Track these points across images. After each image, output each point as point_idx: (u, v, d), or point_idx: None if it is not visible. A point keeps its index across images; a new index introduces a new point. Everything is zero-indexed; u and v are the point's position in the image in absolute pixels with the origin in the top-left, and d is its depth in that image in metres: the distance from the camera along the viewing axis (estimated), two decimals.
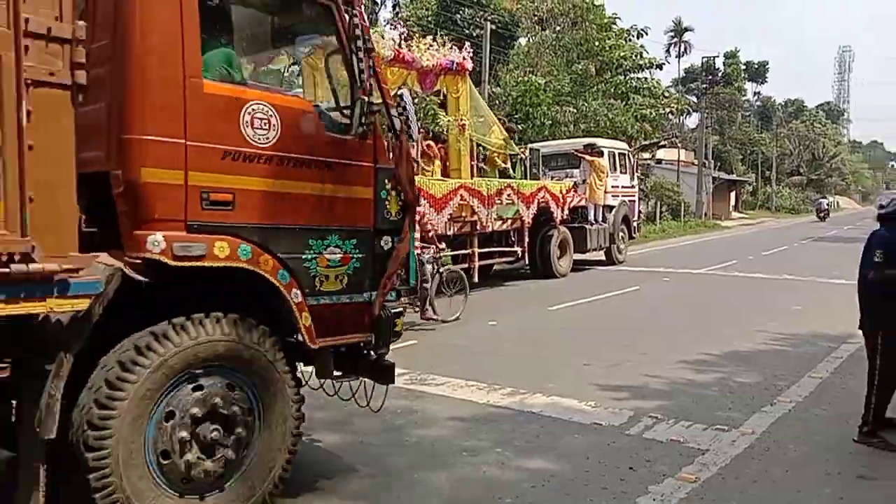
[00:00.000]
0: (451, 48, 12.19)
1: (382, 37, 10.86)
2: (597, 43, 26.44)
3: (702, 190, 40.52)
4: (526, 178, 14.81)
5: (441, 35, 13.25)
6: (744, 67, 70.58)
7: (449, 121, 12.71)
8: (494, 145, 14.00)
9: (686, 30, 69.50)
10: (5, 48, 2.66)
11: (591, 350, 8.19)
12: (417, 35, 12.21)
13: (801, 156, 70.10)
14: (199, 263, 3.47)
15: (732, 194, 51.86)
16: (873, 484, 4.47)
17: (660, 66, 29.75)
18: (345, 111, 4.20)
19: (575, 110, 25.18)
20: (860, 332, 5.46)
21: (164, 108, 3.43)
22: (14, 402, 3.36)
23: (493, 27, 26.87)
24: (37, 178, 2.80)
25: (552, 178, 16.19)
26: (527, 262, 14.89)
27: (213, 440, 3.54)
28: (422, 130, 12.18)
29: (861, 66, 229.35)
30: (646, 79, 28.00)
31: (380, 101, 4.20)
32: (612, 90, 27.12)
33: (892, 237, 5.20)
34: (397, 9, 34.32)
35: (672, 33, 69.24)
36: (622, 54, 27.17)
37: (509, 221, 13.72)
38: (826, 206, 47.18)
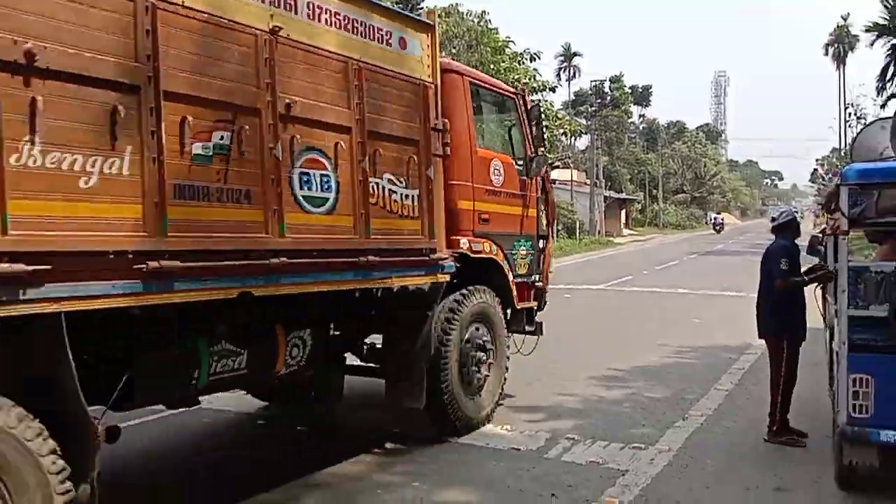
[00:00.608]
0: None
1: None
2: (492, 66, 26.96)
3: (594, 208, 42.13)
4: None
5: None
6: (629, 91, 74.12)
7: None
8: None
9: (575, 54, 72.68)
10: (424, 137, 5.12)
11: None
12: None
13: (685, 175, 74.00)
14: (479, 256, 5.87)
15: (623, 212, 54.03)
16: (791, 495, 4.55)
17: (552, 90, 30.81)
18: (520, 162, 6.65)
19: None
20: (758, 342, 5.68)
21: (465, 164, 5.82)
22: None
23: None
24: (431, 206, 5.20)
25: None
26: None
27: (480, 360, 5.87)
28: None
29: (736, 88, 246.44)
30: (539, 100, 28.79)
31: (542, 155, 6.79)
32: None
33: (790, 246, 5.49)
34: None
35: (562, 58, 72.23)
36: (516, 77, 27.82)
37: None
38: (721, 220, 54.25)
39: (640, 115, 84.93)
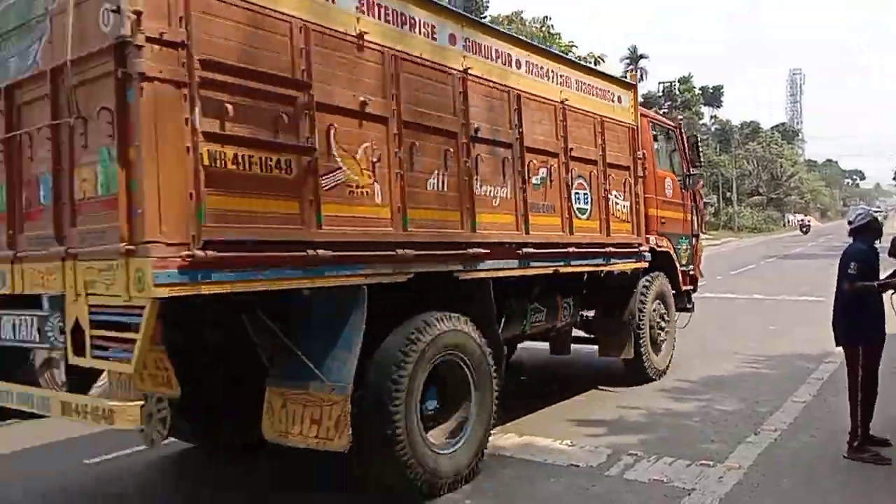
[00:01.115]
0: None
1: None
2: None
3: None
4: None
5: None
6: (699, 92, 72.45)
7: None
8: None
9: (641, 56, 71.29)
10: (633, 164, 7.22)
11: (561, 381, 7.93)
12: None
13: (760, 176, 71.70)
14: (661, 249, 7.95)
15: None
16: None
17: None
18: (679, 178, 8.80)
19: None
20: (837, 350, 5.43)
21: (651, 182, 7.82)
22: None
23: None
24: (638, 213, 7.27)
25: None
26: None
27: (661, 327, 7.97)
28: None
29: (812, 87, 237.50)
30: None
31: (696, 173, 9.22)
32: None
33: (866, 249, 5.23)
34: None
35: (628, 60, 70.98)
36: None
37: None
38: (808, 222, 56.01)
39: (711, 117, 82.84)
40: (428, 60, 4.84)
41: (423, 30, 4.84)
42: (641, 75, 70.80)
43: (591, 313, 7.64)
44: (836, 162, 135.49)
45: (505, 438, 5.84)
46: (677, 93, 64.80)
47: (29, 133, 3.98)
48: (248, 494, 4.97)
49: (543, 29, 27.10)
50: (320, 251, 3.91)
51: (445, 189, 4.90)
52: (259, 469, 5.38)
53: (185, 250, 3.36)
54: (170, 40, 3.40)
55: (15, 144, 4.08)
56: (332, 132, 4.09)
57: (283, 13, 3.90)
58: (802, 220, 56.72)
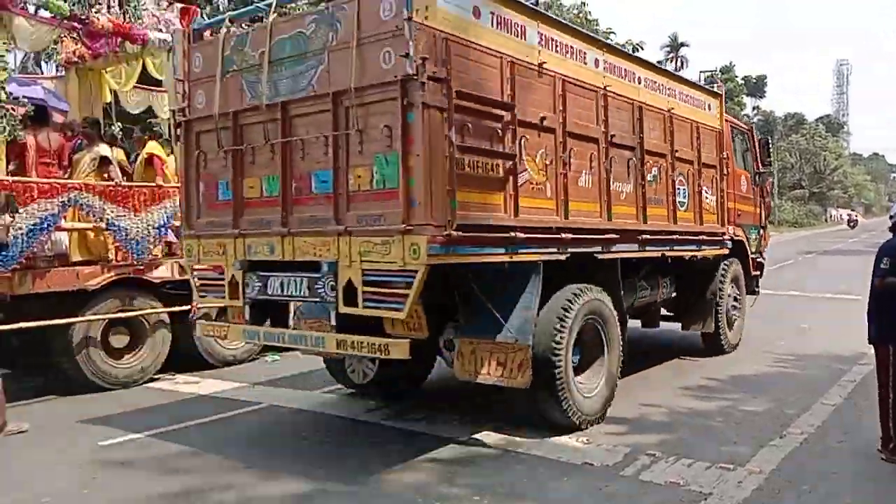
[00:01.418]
0: None
1: None
2: None
3: None
4: None
5: None
6: (742, 82, 71.04)
7: None
8: None
9: (682, 45, 69.99)
10: (719, 163, 8.55)
11: None
12: None
13: (803, 169, 70.34)
14: (737, 238, 9.15)
15: None
16: None
17: None
18: (750, 174, 10.08)
19: None
20: (871, 351, 5.22)
21: (731, 179, 8.97)
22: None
23: None
24: (722, 206, 8.65)
25: None
26: None
27: (735, 307, 9.22)
28: None
29: (859, 79, 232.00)
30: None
31: (766, 171, 10.50)
32: None
33: None
34: None
35: (668, 48, 69.77)
36: None
37: None
38: (856, 217, 58.25)
39: (753, 108, 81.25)
40: (581, 81, 6.08)
41: (577, 56, 6.09)
42: (683, 63, 69.65)
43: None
44: (883, 156, 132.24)
45: (519, 433, 5.71)
46: (719, 83, 63.51)
47: (302, 139, 5.19)
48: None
49: (581, 15, 26.60)
50: (517, 234, 5.21)
51: (590, 185, 6.14)
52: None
53: (443, 231, 4.61)
54: (438, 77, 4.62)
55: (289, 147, 5.28)
56: (524, 141, 5.37)
57: (497, 51, 5.20)
58: (850, 215, 58.08)
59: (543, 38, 5.70)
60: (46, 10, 7.33)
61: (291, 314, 5.94)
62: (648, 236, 6.90)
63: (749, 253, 9.74)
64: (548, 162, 5.62)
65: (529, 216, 5.38)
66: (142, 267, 8.08)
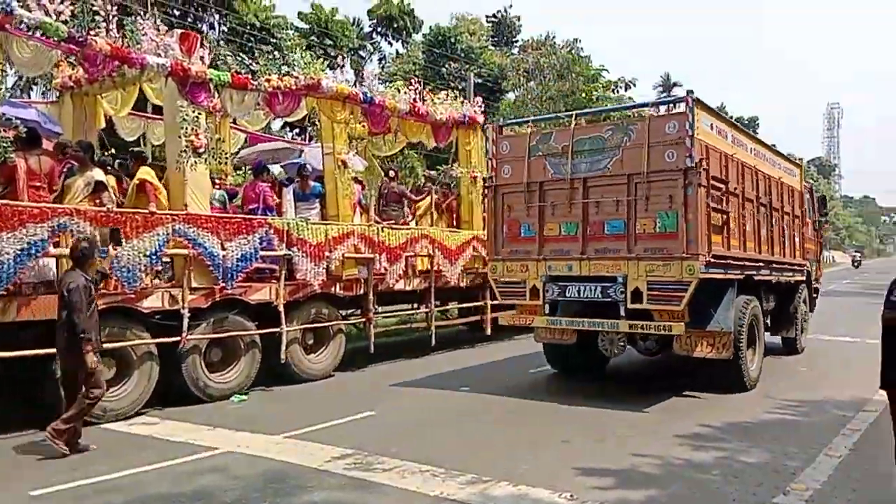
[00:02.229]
0: (463, 102, 12.62)
1: (398, 90, 11.27)
2: (583, 94, 26.13)
3: None
4: None
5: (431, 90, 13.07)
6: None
7: (462, 172, 12.72)
8: None
9: (675, 84, 70.28)
10: (801, 214, 11.49)
11: (572, 421, 7.28)
12: (430, 91, 12.38)
13: None
14: (806, 269, 11.97)
15: None
16: None
17: None
18: (811, 221, 12.62)
19: None
20: (878, 397, 4.68)
21: (805, 225, 11.86)
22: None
23: (481, 80, 26.61)
24: (802, 244, 11.58)
25: None
26: None
27: (805, 319, 12.10)
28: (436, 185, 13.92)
29: (850, 121, 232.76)
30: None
31: (823, 219, 13.76)
32: None
33: None
34: (383, 62, 34.25)
35: (661, 88, 70.05)
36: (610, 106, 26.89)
37: None
38: (859, 257, 60.27)
39: None
40: (746, 163, 9.06)
41: (744, 147, 9.19)
42: (674, 103, 69.98)
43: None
44: (874, 199, 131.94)
45: (498, 487, 5.14)
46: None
47: (597, 201, 8.21)
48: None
49: (573, 52, 26.45)
50: (729, 261, 8.23)
51: (751, 230, 8.97)
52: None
53: (705, 258, 7.54)
54: (703, 168, 7.60)
55: (587, 205, 8.28)
56: (728, 203, 8.28)
57: (719, 149, 8.21)
58: (854, 256, 61.02)
59: (731, 137, 8.73)
60: (43, 32, 7.02)
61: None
62: (774, 265, 9.86)
63: (811, 280, 12.34)
64: (735, 215, 8.47)
65: (731, 251, 8.29)
66: (132, 295, 7.70)
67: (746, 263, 8.68)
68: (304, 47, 18.98)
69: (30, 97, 17.64)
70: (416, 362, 11.36)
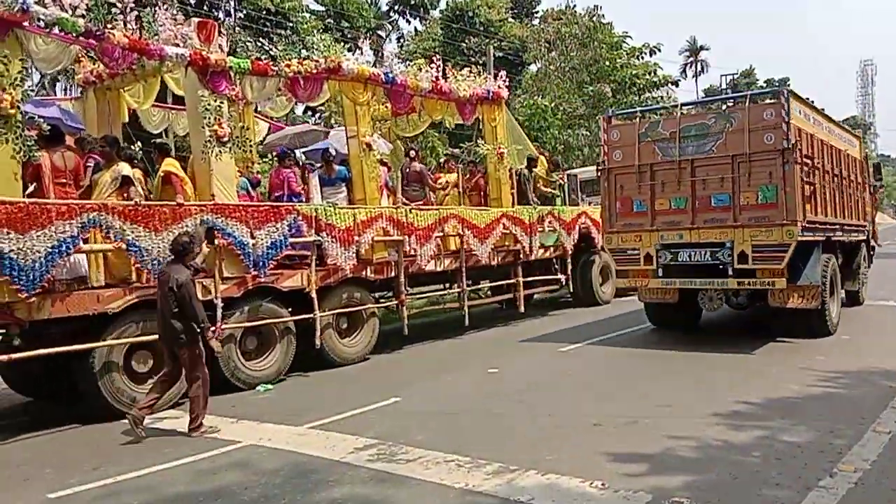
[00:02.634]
0: (486, 78, 12.20)
1: (420, 69, 11.02)
2: (607, 62, 25.46)
3: None
4: (565, 205, 14.43)
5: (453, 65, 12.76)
6: (764, 86, 68.97)
7: (488, 149, 12.36)
8: (536, 173, 13.89)
9: (701, 48, 68.46)
10: (862, 180, 12.61)
11: (604, 403, 6.97)
12: (451, 67, 12.00)
13: None
14: (867, 228, 13.02)
15: None
16: None
17: (675, 83, 28.63)
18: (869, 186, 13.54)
19: (588, 133, 24.14)
20: None
21: (864, 189, 12.89)
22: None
23: (502, 54, 26.10)
24: (864, 206, 12.79)
25: (590, 203, 15.60)
26: (569, 289, 14.27)
27: (864, 272, 12.96)
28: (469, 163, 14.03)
29: (885, 78, 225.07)
30: (661, 97, 26.89)
31: (878, 183, 14.95)
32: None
33: None
34: (402, 41, 33.82)
35: (687, 52, 68.30)
36: (634, 72, 26.11)
37: (551, 249, 13.30)
38: None
39: None
40: (824, 141, 10.13)
41: (821, 126, 10.34)
42: (703, 67, 68.11)
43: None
44: None
45: (526, 477, 4.91)
46: (742, 87, 61.65)
47: (704, 179, 9.44)
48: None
49: (594, 20, 25.70)
50: (817, 225, 9.42)
51: (828, 198, 10.01)
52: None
53: (801, 224, 8.79)
54: (797, 148, 8.87)
55: (693, 182, 9.53)
56: (814, 176, 9.48)
57: (806, 130, 9.41)
58: None
59: (813, 119, 9.88)
60: (61, 28, 6.91)
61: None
62: (845, 227, 10.75)
63: (870, 239, 13.11)
64: (818, 186, 9.49)
65: (817, 217, 9.39)
66: None
67: (827, 226, 9.85)
68: (320, 30, 18.74)
69: (55, 94, 17.72)
70: (449, 343, 11.23)
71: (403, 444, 5.83)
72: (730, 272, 9.15)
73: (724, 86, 55.41)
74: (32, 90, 6.78)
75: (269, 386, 8.43)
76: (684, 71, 64.83)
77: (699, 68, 67.52)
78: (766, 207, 8.92)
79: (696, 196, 9.44)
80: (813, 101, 10.99)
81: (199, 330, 6.49)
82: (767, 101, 9.46)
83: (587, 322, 12.49)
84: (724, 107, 10.29)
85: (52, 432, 7.01)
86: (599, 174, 10.55)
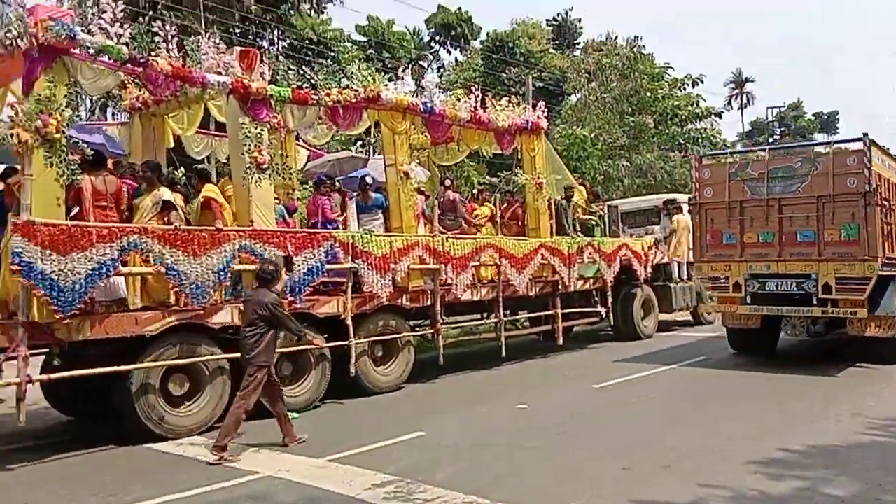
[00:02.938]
0: (525, 108, 12.12)
1: (459, 99, 10.95)
2: (648, 93, 25.21)
3: None
4: (605, 236, 14.20)
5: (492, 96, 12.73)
6: (813, 118, 67.88)
7: (527, 179, 12.26)
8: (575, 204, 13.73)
9: (747, 80, 67.37)
10: None
11: (636, 445, 6.62)
12: (492, 97, 12.00)
13: None
14: None
15: None
16: None
17: (719, 115, 28.19)
18: None
19: (629, 164, 23.87)
20: None
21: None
22: None
23: (542, 84, 26.09)
24: None
25: (632, 235, 15.52)
26: (610, 322, 13.86)
27: None
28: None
29: None
30: (704, 129, 26.48)
31: None
32: (670, 142, 25.72)
33: None
34: (441, 71, 34.08)
35: (733, 84, 67.30)
36: (676, 104, 25.79)
37: (591, 281, 13.02)
38: None
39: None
40: (891, 181, 10.60)
41: (886, 163, 10.60)
42: (748, 101, 67.06)
43: None
44: None
45: None
46: (789, 119, 60.38)
47: (790, 216, 10.27)
48: None
49: (635, 50, 25.53)
50: (893, 261, 10.18)
51: (888, 232, 10.29)
52: None
53: (881, 260, 9.65)
54: (878, 191, 9.69)
55: (781, 220, 10.37)
56: (894, 215, 10.42)
57: (883, 175, 10.17)
58: None
59: (887, 164, 10.51)
60: (106, 55, 7.06)
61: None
62: None
63: None
64: (889, 223, 10.15)
65: (894, 253, 10.15)
66: (202, 312, 7.66)
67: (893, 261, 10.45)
68: (361, 59, 18.99)
69: (105, 118, 18.22)
70: (484, 374, 11.05)
71: (423, 481, 5.63)
72: (814, 301, 9.86)
73: (769, 118, 54.27)
74: (78, 116, 6.88)
75: (296, 414, 8.23)
76: (730, 103, 63.79)
77: (745, 100, 66.45)
78: (849, 244, 9.69)
79: (783, 231, 10.27)
80: (888, 148, 11.18)
81: (298, 338, 7.44)
82: (851, 148, 10.19)
83: (627, 357, 12.13)
84: (807, 152, 11.15)
85: (82, 453, 7.03)
86: (691, 209, 11.58)
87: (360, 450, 6.70)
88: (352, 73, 9.72)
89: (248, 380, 6.74)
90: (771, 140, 52.29)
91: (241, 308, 7.44)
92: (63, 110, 6.76)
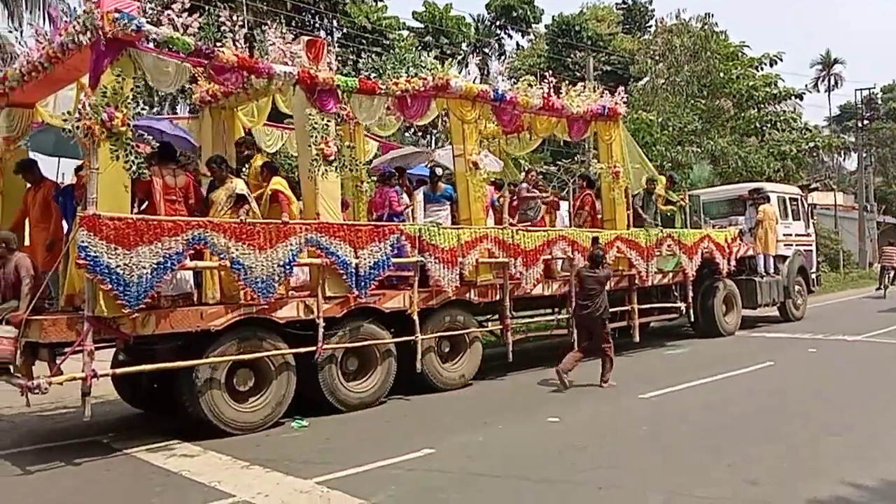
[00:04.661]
0: (603, 93, 11.35)
1: (530, 85, 10.32)
2: (721, 73, 23.76)
3: (865, 237, 35.40)
4: (686, 228, 13.26)
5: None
6: None
7: (602, 168, 11.53)
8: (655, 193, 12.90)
9: (836, 61, 62.38)
10: None
11: (679, 471, 5.56)
12: (566, 83, 11.26)
13: None
14: None
15: None
16: None
17: (799, 96, 26.42)
18: None
19: (699, 150, 22.62)
20: None
21: None
22: None
23: (610, 67, 25.01)
24: None
25: (714, 226, 14.47)
26: (689, 319, 13.04)
27: None
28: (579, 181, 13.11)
29: None
30: (783, 111, 24.84)
31: None
32: (744, 126, 24.30)
33: None
34: (503, 57, 33.25)
35: (820, 66, 62.54)
36: (751, 84, 24.22)
37: (670, 274, 12.22)
38: None
39: None
40: None
41: None
42: (836, 83, 62.24)
43: None
44: None
45: None
46: (879, 102, 55.59)
47: None
48: None
49: (705, 28, 24.06)
50: None
51: None
52: None
53: None
54: None
55: None
56: None
57: None
58: None
59: None
60: (171, 46, 6.78)
61: None
62: None
63: None
64: None
65: None
66: (267, 306, 7.38)
67: None
68: (418, 47, 18.46)
69: (175, 112, 18.30)
70: (552, 372, 10.29)
71: None
72: None
73: (858, 101, 49.78)
74: (145, 108, 6.61)
75: (304, 423, 7.67)
76: (816, 85, 59.48)
77: (832, 83, 61.76)
78: None
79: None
80: None
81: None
82: None
83: (702, 359, 11.22)
84: None
85: (107, 458, 6.66)
86: None
87: (356, 469, 5.85)
88: (410, 59, 9.18)
89: (606, 334, 9.19)
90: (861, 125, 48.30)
91: (577, 279, 9.57)
92: (129, 104, 6.51)
